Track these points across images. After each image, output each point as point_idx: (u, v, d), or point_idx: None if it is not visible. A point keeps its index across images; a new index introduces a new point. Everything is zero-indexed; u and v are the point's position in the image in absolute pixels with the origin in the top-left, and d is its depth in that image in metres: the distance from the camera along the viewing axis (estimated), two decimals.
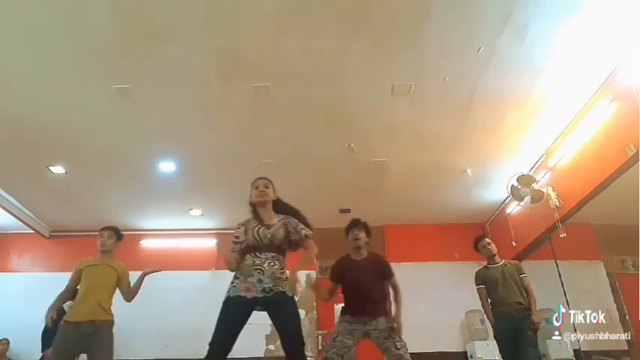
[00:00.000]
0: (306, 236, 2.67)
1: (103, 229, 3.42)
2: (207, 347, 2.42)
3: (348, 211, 6.82)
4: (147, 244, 7.68)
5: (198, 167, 5.74)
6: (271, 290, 2.50)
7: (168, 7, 3.39)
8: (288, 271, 2.61)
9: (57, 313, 3.15)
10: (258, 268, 2.52)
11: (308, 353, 6.85)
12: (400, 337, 2.98)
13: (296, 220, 2.73)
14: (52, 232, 7.62)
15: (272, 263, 2.55)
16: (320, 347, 6.76)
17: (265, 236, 2.59)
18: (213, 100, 4.45)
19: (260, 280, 2.50)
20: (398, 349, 2.91)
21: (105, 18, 3.41)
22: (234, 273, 2.61)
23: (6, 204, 6.38)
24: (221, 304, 2.54)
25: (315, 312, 7.20)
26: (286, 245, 2.70)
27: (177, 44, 3.71)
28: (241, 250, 2.62)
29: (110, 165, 5.62)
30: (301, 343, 2.51)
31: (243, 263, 2.59)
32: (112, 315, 3.22)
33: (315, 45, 3.78)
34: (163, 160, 5.56)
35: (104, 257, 3.34)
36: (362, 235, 3.22)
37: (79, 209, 6.85)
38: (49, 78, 4.04)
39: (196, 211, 7.16)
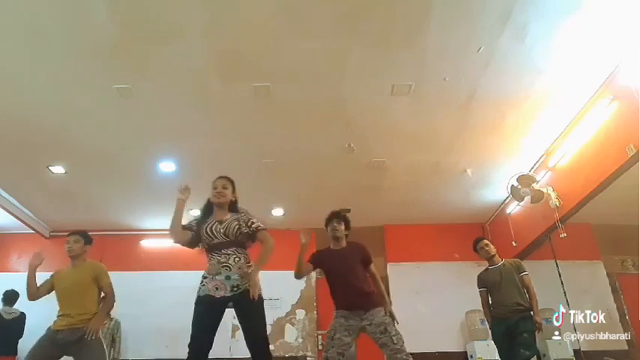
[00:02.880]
0: (257, 228, 2.65)
1: (69, 234, 3.32)
2: (187, 349, 2.42)
3: (348, 211, 6.78)
4: (147, 244, 7.67)
5: (198, 167, 5.73)
6: (239, 288, 2.50)
7: (169, 7, 3.39)
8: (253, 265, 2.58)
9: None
10: (225, 265, 2.53)
11: (308, 353, 6.87)
12: (397, 331, 2.98)
13: (248, 215, 2.72)
14: (52, 232, 7.61)
15: (237, 258, 2.56)
16: (320, 347, 6.76)
17: (218, 232, 2.59)
18: (213, 100, 4.45)
19: (228, 277, 2.51)
20: (395, 343, 2.90)
21: (105, 18, 3.41)
22: (202, 273, 2.61)
23: (6, 204, 6.37)
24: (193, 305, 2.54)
25: (315, 312, 7.19)
26: (245, 239, 2.67)
27: (177, 44, 3.71)
28: (202, 248, 2.66)
29: (110, 165, 5.61)
30: (266, 343, 2.53)
31: (209, 263, 2.59)
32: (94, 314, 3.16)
33: (315, 45, 3.78)
34: (163, 160, 5.55)
35: (74, 265, 3.26)
36: (341, 227, 3.27)
37: (79, 209, 6.84)
38: (49, 78, 4.03)
39: (196, 211, 7.04)
